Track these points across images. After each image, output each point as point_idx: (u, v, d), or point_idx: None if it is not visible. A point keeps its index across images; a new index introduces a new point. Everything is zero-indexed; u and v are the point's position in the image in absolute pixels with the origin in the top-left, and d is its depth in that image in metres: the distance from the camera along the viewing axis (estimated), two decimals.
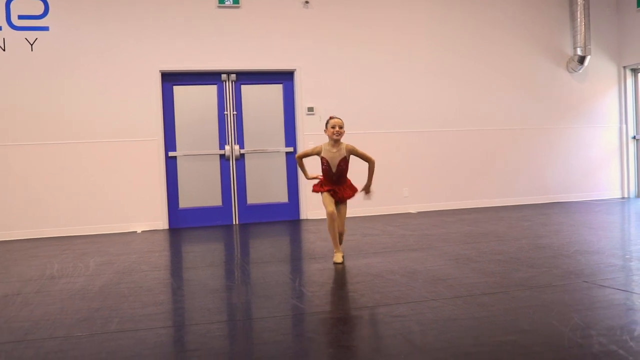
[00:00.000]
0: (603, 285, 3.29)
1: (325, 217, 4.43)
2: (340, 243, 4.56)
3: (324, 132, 4.52)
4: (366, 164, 4.62)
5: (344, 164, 4.44)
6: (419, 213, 7.75)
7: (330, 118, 4.45)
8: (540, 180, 8.55)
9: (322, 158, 4.44)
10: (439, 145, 8.14)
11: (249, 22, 7.47)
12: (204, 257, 5.02)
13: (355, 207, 7.64)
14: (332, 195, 4.44)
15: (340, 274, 4.03)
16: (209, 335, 2.69)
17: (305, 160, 4.65)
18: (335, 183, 4.46)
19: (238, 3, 7.40)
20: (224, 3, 7.37)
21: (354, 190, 4.55)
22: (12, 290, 3.83)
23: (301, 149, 7.57)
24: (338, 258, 4.41)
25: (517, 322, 2.70)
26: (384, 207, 7.89)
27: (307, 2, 7.60)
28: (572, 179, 8.69)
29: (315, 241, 5.61)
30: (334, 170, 4.43)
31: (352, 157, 4.51)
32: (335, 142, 4.42)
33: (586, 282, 3.41)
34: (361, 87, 7.84)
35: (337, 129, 4.37)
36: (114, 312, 3.14)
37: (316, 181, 4.59)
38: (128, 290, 3.67)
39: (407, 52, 8.01)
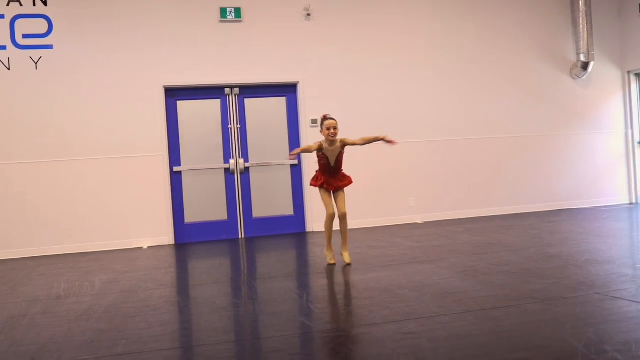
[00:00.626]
0: (616, 297, 3.24)
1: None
2: (345, 238, 4.93)
3: (319, 132, 4.92)
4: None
5: (341, 157, 4.90)
6: (426, 223, 7.70)
7: (325, 119, 4.84)
8: (547, 187, 8.50)
9: (322, 154, 4.84)
10: (445, 154, 8.11)
11: (251, 35, 7.49)
12: (210, 274, 4.99)
13: (361, 218, 7.67)
14: (329, 187, 4.85)
15: (347, 289, 4.00)
16: (217, 356, 2.65)
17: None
18: (332, 176, 4.90)
19: (240, 17, 7.42)
20: (226, 17, 7.39)
21: (348, 178, 4.99)
22: (19, 312, 3.81)
23: (305, 162, 7.56)
24: (331, 259, 4.89)
25: (530, 337, 2.66)
26: (389, 218, 7.85)
27: (308, 15, 7.62)
28: (579, 185, 8.64)
29: (321, 255, 5.57)
30: (332, 164, 4.87)
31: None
32: (331, 142, 4.82)
33: (598, 293, 3.36)
34: (365, 97, 7.83)
35: (332, 130, 4.78)
36: (120, 333, 3.12)
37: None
38: (134, 310, 3.64)
39: (411, 61, 8.00)
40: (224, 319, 3.35)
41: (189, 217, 7.46)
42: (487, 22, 8.31)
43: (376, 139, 4.98)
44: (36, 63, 6.84)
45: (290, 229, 7.76)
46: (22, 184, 6.79)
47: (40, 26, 6.86)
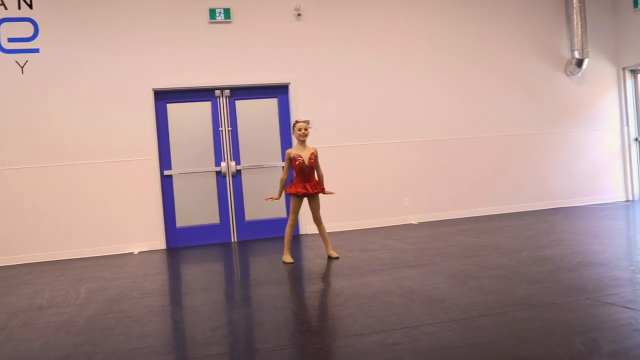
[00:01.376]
0: (607, 303, 3.16)
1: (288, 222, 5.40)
2: (326, 241, 5.45)
3: (292, 135, 5.46)
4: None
5: (313, 157, 5.25)
6: (420, 224, 7.62)
7: (296, 122, 5.31)
8: (543, 186, 8.42)
9: (295, 155, 5.21)
10: (439, 154, 8.03)
11: (241, 36, 7.40)
12: (198, 280, 4.90)
13: (355, 219, 7.60)
14: (304, 193, 5.19)
15: (335, 296, 3.91)
16: None
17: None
18: (307, 179, 5.25)
19: (229, 18, 7.33)
20: (215, 18, 7.30)
21: (321, 185, 5.36)
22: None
23: None
24: (287, 259, 5.38)
25: (516, 348, 2.58)
26: (384, 219, 7.77)
27: (299, 15, 7.52)
28: (575, 183, 8.55)
29: (313, 259, 5.50)
30: (306, 162, 5.21)
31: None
32: (302, 142, 5.27)
33: (589, 298, 3.27)
34: (359, 97, 7.75)
35: (302, 131, 5.25)
36: (97, 347, 3.03)
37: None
38: (115, 322, 3.56)
39: (404, 60, 7.91)
40: (206, 330, 3.26)
41: (181, 221, 7.38)
42: (481, 19, 8.23)
43: (321, 184, 5.42)
44: (22, 67, 6.75)
45: (284, 231, 7.66)
46: (11, 189, 6.71)
47: (26, 30, 6.77)
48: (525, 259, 4.60)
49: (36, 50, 6.80)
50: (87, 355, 2.89)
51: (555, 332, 2.74)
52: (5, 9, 6.70)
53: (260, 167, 7.58)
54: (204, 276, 5.16)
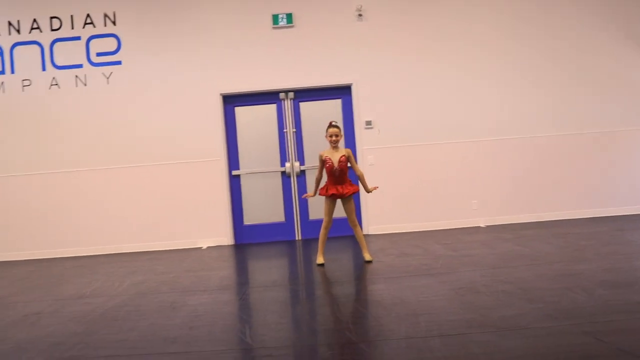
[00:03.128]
0: (587, 331, 2.83)
1: (322, 225, 5.38)
2: (362, 243, 5.42)
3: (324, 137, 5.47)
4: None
5: (344, 159, 5.27)
6: (488, 227, 7.25)
7: (330, 126, 5.30)
8: (629, 188, 7.54)
9: (326, 158, 5.28)
10: (512, 153, 7.55)
11: (304, 39, 7.56)
12: (233, 277, 5.14)
13: (418, 221, 7.43)
14: (336, 195, 5.25)
15: (327, 302, 3.92)
16: None
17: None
18: (338, 181, 5.28)
19: (292, 22, 7.52)
20: (278, 24, 7.53)
21: (354, 187, 5.31)
22: (36, 310, 4.27)
23: (361, 164, 7.50)
24: (320, 260, 5.36)
25: None
26: (450, 221, 7.51)
27: (360, 15, 7.50)
28: None
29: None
30: (336, 165, 5.25)
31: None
32: (334, 147, 5.31)
33: (575, 324, 2.95)
34: (421, 96, 7.55)
35: (333, 137, 5.27)
36: (87, 337, 3.37)
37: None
38: (123, 315, 3.91)
39: (470, 56, 7.56)
40: (185, 329, 3.45)
41: (248, 219, 7.76)
42: (560, 6, 7.56)
43: (363, 184, 5.40)
44: (107, 78, 7.54)
45: (348, 231, 7.72)
46: (96, 188, 7.54)
47: (111, 44, 7.54)
48: (548, 272, 4.22)
49: (119, 63, 7.55)
50: (74, 344, 3.24)
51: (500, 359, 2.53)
52: (94, 27, 7.52)
53: None
54: (242, 272, 5.41)
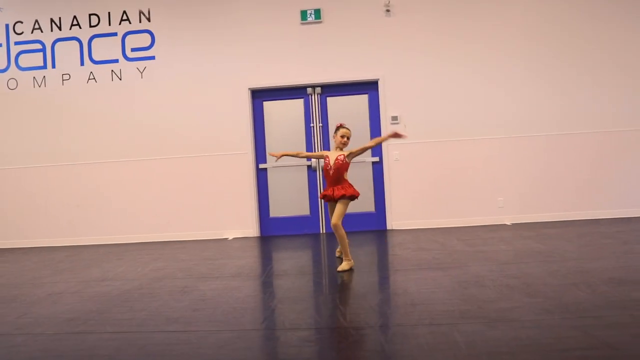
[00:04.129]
0: (576, 326, 2.81)
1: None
2: (341, 245, 4.87)
3: (332, 137, 5.11)
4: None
5: (342, 157, 4.95)
6: (514, 225, 7.15)
7: (340, 127, 5.05)
8: None
9: (325, 157, 5.05)
10: (539, 150, 7.41)
11: (331, 35, 7.63)
12: (251, 265, 5.26)
13: (443, 217, 7.40)
14: (328, 196, 4.96)
15: (330, 291, 4.00)
16: (142, 343, 2.92)
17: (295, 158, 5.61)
18: (333, 182, 4.97)
19: (320, 18, 7.61)
20: (307, 19, 7.63)
21: (347, 191, 4.91)
22: (60, 290, 4.53)
23: (386, 159, 7.55)
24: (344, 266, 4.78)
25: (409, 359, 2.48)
26: (475, 218, 7.44)
27: (388, 11, 7.51)
28: None
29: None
30: (331, 163, 4.96)
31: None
32: (340, 149, 5.06)
33: (565, 318, 2.93)
34: (447, 92, 7.50)
35: (345, 139, 5.01)
36: (97, 315, 3.58)
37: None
38: (137, 296, 4.11)
39: (496, 51, 7.46)
40: (187, 311, 3.59)
41: (274, 211, 7.90)
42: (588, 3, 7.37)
43: (388, 137, 5.03)
44: (141, 72, 7.82)
45: (371, 225, 7.78)
46: (129, 180, 7.85)
47: (145, 40, 7.82)
48: (561, 269, 4.16)
49: (152, 58, 7.82)
50: (86, 320, 3.46)
51: (478, 348, 2.55)
52: (129, 23, 7.81)
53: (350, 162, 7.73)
54: (260, 262, 5.54)
